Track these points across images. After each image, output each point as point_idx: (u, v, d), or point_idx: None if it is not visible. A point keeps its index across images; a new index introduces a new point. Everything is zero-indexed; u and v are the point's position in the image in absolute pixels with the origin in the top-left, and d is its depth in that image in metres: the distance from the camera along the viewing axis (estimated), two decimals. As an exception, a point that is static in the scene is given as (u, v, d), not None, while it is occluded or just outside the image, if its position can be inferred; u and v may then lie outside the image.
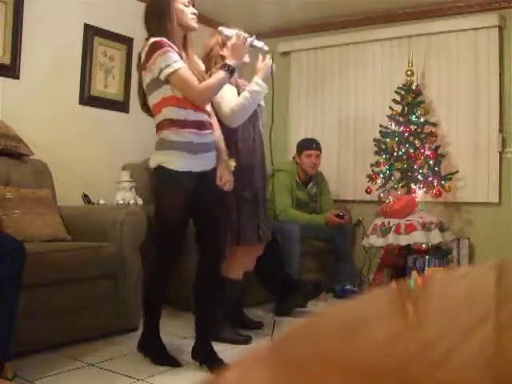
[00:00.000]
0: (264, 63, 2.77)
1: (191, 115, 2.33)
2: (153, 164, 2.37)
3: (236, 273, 2.87)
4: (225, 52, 2.83)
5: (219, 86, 2.37)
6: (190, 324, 3.10)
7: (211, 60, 2.84)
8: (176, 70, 2.26)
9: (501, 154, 4.08)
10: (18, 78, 3.37)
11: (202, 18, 4.68)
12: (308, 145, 4.06)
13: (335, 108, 4.81)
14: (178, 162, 2.31)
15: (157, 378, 2.27)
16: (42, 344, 2.47)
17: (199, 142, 2.34)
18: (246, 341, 2.81)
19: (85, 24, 3.78)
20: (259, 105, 2.96)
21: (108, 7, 3.90)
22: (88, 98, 3.81)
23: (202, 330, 2.48)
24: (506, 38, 4.08)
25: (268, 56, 2.77)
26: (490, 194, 4.08)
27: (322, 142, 4.55)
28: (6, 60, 3.30)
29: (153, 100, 2.36)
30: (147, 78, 2.35)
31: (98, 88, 3.88)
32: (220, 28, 2.54)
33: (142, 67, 2.37)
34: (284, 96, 4.90)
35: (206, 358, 2.43)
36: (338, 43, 4.77)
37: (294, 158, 4.17)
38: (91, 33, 3.82)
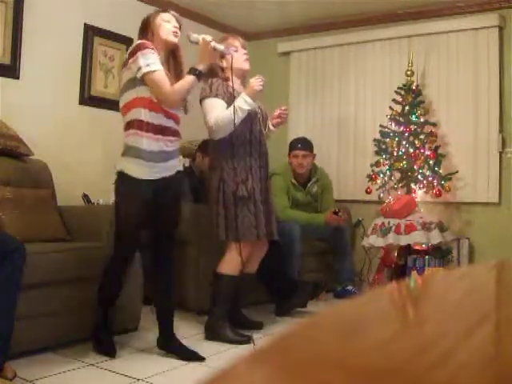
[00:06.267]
0: (256, 79, 2.77)
1: (162, 120, 2.42)
2: (117, 168, 2.46)
3: (229, 269, 2.87)
4: (224, 64, 2.85)
5: (188, 88, 2.43)
6: (190, 324, 3.11)
7: (212, 72, 2.85)
8: (153, 71, 2.35)
9: (501, 153, 4.08)
10: (18, 78, 3.37)
11: (202, 18, 4.71)
12: (294, 145, 4.05)
13: (335, 108, 4.81)
14: (138, 170, 2.40)
15: (157, 377, 2.27)
16: (42, 344, 2.47)
17: (162, 151, 2.43)
18: (246, 341, 2.81)
19: (85, 24, 3.78)
20: (261, 108, 2.97)
21: (108, 7, 3.91)
22: (88, 98, 3.81)
23: (163, 321, 2.58)
24: (506, 38, 4.08)
25: (259, 77, 2.79)
26: (490, 194, 4.08)
27: (321, 142, 4.56)
28: (6, 60, 3.31)
29: (125, 99, 2.43)
30: (126, 76, 2.43)
31: (98, 88, 3.88)
32: (188, 33, 2.55)
33: (123, 64, 2.46)
34: (284, 96, 4.90)
35: (171, 347, 2.55)
36: (338, 43, 4.77)
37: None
38: (91, 33, 3.82)
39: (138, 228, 2.50)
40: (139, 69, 2.34)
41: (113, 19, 3.93)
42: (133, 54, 2.38)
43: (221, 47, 2.56)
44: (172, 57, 2.56)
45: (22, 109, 3.33)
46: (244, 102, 2.74)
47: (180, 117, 2.55)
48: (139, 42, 2.40)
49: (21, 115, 3.27)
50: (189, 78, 2.42)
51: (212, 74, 2.86)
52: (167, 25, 2.49)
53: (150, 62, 2.34)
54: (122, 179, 2.43)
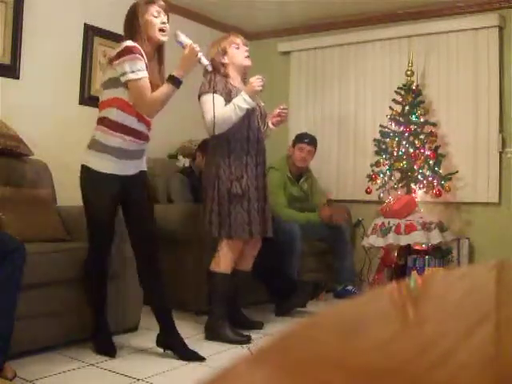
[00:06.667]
0: (256, 79, 2.76)
1: (134, 123, 2.42)
2: (81, 161, 2.48)
3: (221, 266, 2.87)
4: (226, 60, 2.87)
5: (166, 98, 2.40)
6: (189, 324, 3.11)
7: (213, 68, 2.85)
8: (138, 79, 2.33)
9: (501, 153, 4.08)
10: (18, 78, 3.37)
11: (202, 18, 4.71)
12: (302, 138, 4.07)
13: (335, 108, 4.81)
14: (102, 164, 2.41)
15: (157, 377, 2.27)
16: (42, 344, 2.47)
17: (130, 149, 2.44)
18: (246, 341, 2.81)
19: (85, 24, 3.78)
20: (259, 106, 2.98)
21: (108, 7, 3.90)
22: (88, 98, 3.81)
23: (162, 319, 2.56)
24: (506, 38, 4.08)
25: (259, 77, 2.77)
26: (490, 194, 4.08)
27: (321, 142, 4.54)
28: (6, 60, 3.31)
29: (104, 96, 2.45)
30: (108, 73, 2.43)
31: (98, 88, 3.88)
32: (177, 32, 2.49)
33: (108, 62, 2.44)
34: (284, 96, 4.90)
35: (169, 344, 2.54)
36: (338, 43, 4.77)
37: (288, 150, 4.16)
38: (91, 33, 3.82)
39: (109, 223, 2.50)
40: (124, 74, 2.33)
41: (113, 19, 3.92)
42: (120, 55, 2.35)
43: (205, 62, 2.52)
44: (157, 52, 2.53)
45: (22, 109, 3.33)
46: (243, 101, 2.74)
47: (151, 122, 2.53)
48: (128, 44, 2.35)
49: (21, 115, 3.27)
50: (167, 89, 2.38)
51: (212, 70, 2.85)
52: (156, 20, 2.44)
53: (136, 68, 2.32)
54: (86, 173, 2.46)
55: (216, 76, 2.84)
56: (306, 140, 4.04)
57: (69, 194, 3.36)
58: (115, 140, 2.40)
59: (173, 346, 2.54)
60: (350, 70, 4.74)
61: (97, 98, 3.81)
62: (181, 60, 2.42)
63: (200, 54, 2.45)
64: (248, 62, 2.96)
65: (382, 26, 4.55)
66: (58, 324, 2.54)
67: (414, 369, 0.38)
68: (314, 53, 4.92)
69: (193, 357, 2.50)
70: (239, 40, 2.96)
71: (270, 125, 3.08)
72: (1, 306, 2.00)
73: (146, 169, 2.63)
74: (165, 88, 2.38)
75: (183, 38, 2.47)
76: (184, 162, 4.04)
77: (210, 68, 2.59)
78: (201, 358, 2.49)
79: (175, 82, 2.37)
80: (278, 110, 3.07)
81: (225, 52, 2.90)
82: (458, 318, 0.55)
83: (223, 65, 2.90)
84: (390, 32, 4.49)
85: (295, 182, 4.08)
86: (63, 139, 3.59)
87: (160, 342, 2.57)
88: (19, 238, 2.23)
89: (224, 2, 4.39)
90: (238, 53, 2.93)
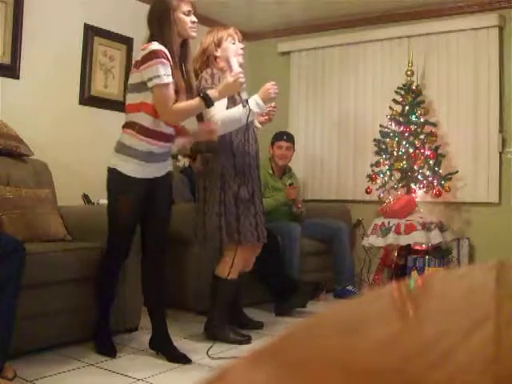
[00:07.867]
0: (272, 85, 2.73)
1: (162, 127, 2.40)
2: (109, 164, 2.47)
3: (230, 273, 2.85)
4: (219, 52, 2.82)
5: (192, 112, 2.41)
6: (190, 324, 3.11)
7: (205, 59, 2.83)
8: (163, 84, 2.31)
9: (501, 154, 4.08)
10: (18, 78, 3.37)
11: (202, 18, 4.69)
12: (280, 136, 4.08)
13: (335, 108, 4.81)
14: (130, 168, 2.40)
15: (157, 377, 2.27)
16: (42, 344, 2.47)
17: (157, 153, 2.43)
18: (246, 341, 2.81)
19: (85, 24, 3.78)
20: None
21: (108, 7, 3.91)
22: (88, 98, 3.81)
23: (157, 321, 2.55)
24: (506, 38, 4.08)
25: (275, 84, 2.77)
26: (490, 194, 4.08)
27: (321, 142, 4.54)
28: (6, 60, 3.31)
29: (131, 100, 2.42)
30: (135, 77, 2.40)
31: (98, 88, 3.88)
32: (229, 55, 2.53)
33: (134, 65, 2.41)
34: (284, 96, 4.88)
35: (162, 347, 2.53)
36: (338, 43, 4.77)
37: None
38: (91, 33, 3.82)
39: (133, 226, 2.50)
40: (151, 79, 2.30)
41: (113, 19, 3.93)
42: (146, 59, 2.31)
43: (245, 96, 2.54)
44: (181, 48, 2.50)
45: (22, 109, 3.33)
46: (256, 105, 2.70)
47: (179, 124, 2.53)
48: (153, 48, 2.31)
49: (21, 115, 3.27)
50: (197, 104, 2.37)
51: (208, 63, 2.83)
52: (187, 19, 2.44)
53: (162, 73, 2.29)
54: (114, 176, 2.45)
55: (217, 71, 2.77)
56: (284, 137, 4.05)
57: (69, 194, 3.37)
58: (143, 144, 2.38)
59: (164, 348, 2.53)
60: (350, 70, 4.74)
61: (97, 98, 3.86)
62: (223, 86, 2.43)
63: (244, 86, 2.45)
64: (240, 59, 2.88)
65: (382, 26, 4.55)
66: (58, 324, 2.53)
67: (413, 369, 0.38)
68: (314, 53, 4.92)
69: (181, 359, 2.47)
70: (237, 36, 2.88)
71: (258, 124, 3.05)
72: (0, 307, 2.00)
73: (171, 169, 2.62)
74: (194, 102, 2.37)
75: (234, 64, 2.51)
76: (184, 162, 4.04)
77: (246, 104, 2.61)
78: (188, 361, 2.47)
79: (208, 101, 2.36)
80: (268, 109, 2.97)
81: (219, 44, 2.83)
82: (458, 318, 0.55)
83: (215, 58, 2.83)
84: (390, 32, 4.49)
85: (278, 178, 4.08)
86: (63, 139, 3.59)
87: (153, 344, 2.57)
88: (19, 238, 2.23)
89: (224, 1, 4.39)
90: (232, 48, 2.84)
